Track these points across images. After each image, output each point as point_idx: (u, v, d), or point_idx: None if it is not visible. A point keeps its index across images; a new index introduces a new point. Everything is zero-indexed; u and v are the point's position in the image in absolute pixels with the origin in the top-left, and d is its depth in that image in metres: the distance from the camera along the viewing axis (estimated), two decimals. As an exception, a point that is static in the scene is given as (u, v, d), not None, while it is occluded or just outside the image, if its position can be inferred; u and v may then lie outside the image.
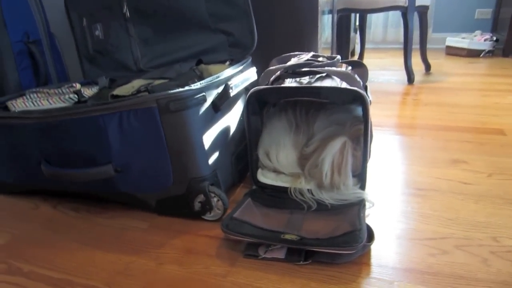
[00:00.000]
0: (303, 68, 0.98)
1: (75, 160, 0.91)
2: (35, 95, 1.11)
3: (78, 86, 1.14)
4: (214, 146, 0.89)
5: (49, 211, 0.98)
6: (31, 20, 1.28)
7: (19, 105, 1.04)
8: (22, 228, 0.91)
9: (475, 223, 0.81)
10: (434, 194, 0.94)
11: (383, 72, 2.56)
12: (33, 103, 1.05)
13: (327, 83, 0.90)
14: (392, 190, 0.97)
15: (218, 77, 0.90)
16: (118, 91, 1.07)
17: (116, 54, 1.32)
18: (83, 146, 0.88)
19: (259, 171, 0.97)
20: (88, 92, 1.13)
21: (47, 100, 1.06)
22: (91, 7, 1.29)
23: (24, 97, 1.09)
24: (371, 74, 2.41)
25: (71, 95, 1.08)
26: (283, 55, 1.19)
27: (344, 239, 0.70)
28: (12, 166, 1.02)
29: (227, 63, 1.18)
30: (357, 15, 2.87)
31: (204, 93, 0.83)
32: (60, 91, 1.12)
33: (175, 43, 1.26)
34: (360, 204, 0.82)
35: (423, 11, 2.30)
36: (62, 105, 1.06)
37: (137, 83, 1.13)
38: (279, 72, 0.99)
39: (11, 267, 0.77)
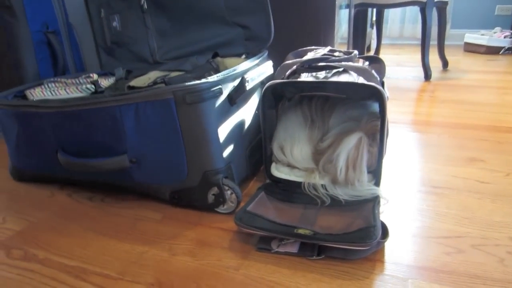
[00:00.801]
0: (319, 62, 0.97)
1: (91, 149, 0.92)
2: (53, 84, 1.12)
3: (95, 76, 1.15)
4: (229, 139, 0.89)
5: (64, 199, 1.00)
6: (51, 10, 1.30)
7: (37, 94, 1.05)
8: (38, 215, 0.93)
9: (491, 223, 0.80)
10: (450, 193, 0.92)
11: (400, 68, 2.53)
12: (51, 92, 1.06)
13: (344, 78, 0.89)
14: (407, 188, 0.96)
15: (235, 70, 0.90)
16: (134, 82, 1.08)
17: (133, 45, 1.32)
18: (99, 136, 0.89)
19: (273, 165, 0.97)
20: (105, 82, 1.14)
21: (65, 89, 1.07)
22: (109, -2, 1.30)
23: (42, 86, 1.11)
24: (387, 70, 2.38)
25: (88, 85, 1.09)
26: (300, 49, 1.18)
27: (358, 235, 0.70)
28: (30, 155, 1.04)
29: (243, 56, 1.17)
30: (374, 10, 2.83)
31: (220, 86, 0.83)
32: (77, 81, 1.13)
33: (191, 36, 1.26)
34: (374, 201, 0.82)
35: (442, 7, 2.26)
36: (79, 95, 1.07)
37: (153, 75, 1.13)
38: (295, 66, 0.98)
39: (27, 253, 0.78)
